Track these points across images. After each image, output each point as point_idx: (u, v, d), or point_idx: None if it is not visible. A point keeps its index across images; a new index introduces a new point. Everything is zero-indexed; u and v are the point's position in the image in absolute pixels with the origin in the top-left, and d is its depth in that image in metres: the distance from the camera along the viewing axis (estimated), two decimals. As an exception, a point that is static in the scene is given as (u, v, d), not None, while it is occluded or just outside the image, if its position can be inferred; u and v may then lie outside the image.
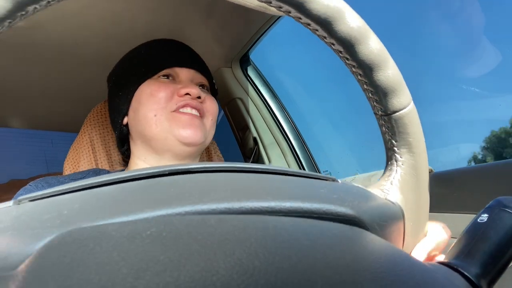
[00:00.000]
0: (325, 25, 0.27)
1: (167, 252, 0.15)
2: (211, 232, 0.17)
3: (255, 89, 1.18)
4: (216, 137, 0.96)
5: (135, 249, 0.16)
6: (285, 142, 1.15)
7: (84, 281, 0.14)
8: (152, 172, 0.22)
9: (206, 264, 0.15)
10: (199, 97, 0.68)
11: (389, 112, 0.30)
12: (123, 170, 0.76)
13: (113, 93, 0.74)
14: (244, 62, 1.19)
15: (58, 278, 0.14)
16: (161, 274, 0.14)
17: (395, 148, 0.31)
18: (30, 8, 0.23)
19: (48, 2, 0.24)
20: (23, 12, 0.23)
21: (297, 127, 1.18)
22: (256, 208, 0.20)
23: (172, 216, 0.19)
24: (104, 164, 0.83)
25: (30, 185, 0.63)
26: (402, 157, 0.31)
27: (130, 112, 0.70)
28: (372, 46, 0.28)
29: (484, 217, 0.26)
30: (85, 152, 0.83)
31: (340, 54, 0.29)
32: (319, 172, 1.18)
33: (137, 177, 0.22)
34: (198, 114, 0.67)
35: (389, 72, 0.28)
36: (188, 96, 0.67)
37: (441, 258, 0.31)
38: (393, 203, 0.30)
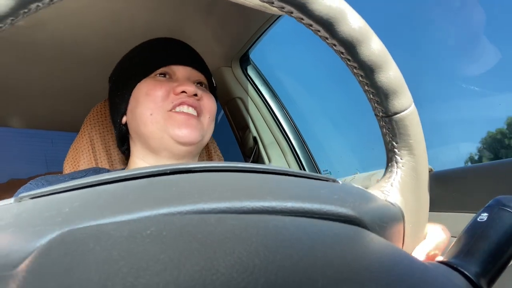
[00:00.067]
0: (327, 26, 0.27)
1: (167, 251, 0.15)
2: (211, 231, 0.17)
3: (255, 89, 1.18)
4: (216, 136, 0.96)
5: (135, 248, 0.16)
6: (285, 141, 1.15)
7: (84, 280, 0.14)
8: (153, 171, 0.22)
9: (206, 263, 0.15)
10: (195, 95, 0.68)
11: (390, 114, 0.30)
12: (123, 169, 0.76)
13: (113, 92, 0.75)
14: (244, 61, 1.19)
15: (58, 277, 0.14)
16: (161, 273, 0.14)
17: (396, 150, 0.31)
18: (33, 6, 0.23)
19: (51, 0, 0.24)
20: (26, 10, 0.23)
21: (297, 127, 1.18)
22: (257, 208, 0.20)
23: (173, 215, 0.19)
24: (104, 164, 0.83)
25: (30, 184, 0.63)
26: (403, 159, 0.31)
27: (128, 111, 0.70)
28: (374, 47, 0.28)
29: (484, 216, 0.26)
30: (85, 151, 0.83)
31: (341, 55, 0.29)
32: (319, 172, 1.18)
33: (138, 175, 0.22)
34: (195, 112, 0.67)
35: (391, 74, 0.28)
36: (184, 94, 0.66)
37: (441, 257, 0.31)
38: (393, 204, 0.30)
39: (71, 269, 0.15)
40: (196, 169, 0.23)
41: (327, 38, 0.28)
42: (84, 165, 0.81)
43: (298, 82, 1.62)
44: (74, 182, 0.21)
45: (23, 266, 0.16)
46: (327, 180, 0.28)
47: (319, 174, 0.28)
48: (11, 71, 1.10)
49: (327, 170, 1.25)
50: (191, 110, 0.66)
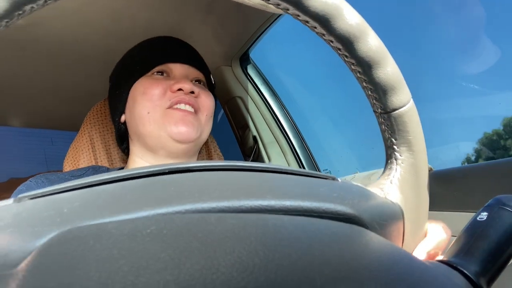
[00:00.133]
0: (323, 22, 0.27)
1: (167, 250, 0.15)
2: (211, 230, 0.17)
3: (255, 88, 1.18)
4: (216, 135, 0.96)
5: (136, 247, 0.16)
6: (285, 140, 1.15)
7: (84, 278, 0.14)
8: (152, 171, 0.22)
9: (207, 262, 0.15)
10: (192, 92, 0.67)
11: (388, 110, 0.29)
12: (122, 167, 0.76)
13: (112, 91, 0.75)
14: (244, 60, 1.19)
15: (58, 275, 0.15)
16: (162, 272, 0.14)
17: (395, 147, 0.31)
18: (27, 7, 0.23)
19: (45, 1, 0.24)
20: (20, 12, 0.23)
21: (297, 126, 1.18)
22: (256, 207, 0.20)
23: (172, 214, 0.19)
24: (104, 163, 0.83)
25: (30, 181, 0.64)
26: (402, 156, 0.31)
27: (127, 110, 0.71)
28: (371, 43, 0.27)
29: (484, 215, 0.26)
30: (85, 150, 0.83)
31: (339, 52, 0.29)
32: (319, 171, 1.18)
33: (137, 175, 0.22)
34: (192, 110, 0.66)
35: (388, 70, 0.28)
36: (181, 91, 0.66)
37: (441, 256, 0.31)
38: (392, 202, 0.30)
39: (72, 268, 0.15)
40: (195, 168, 0.23)
41: (324, 35, 0.28)
42: (84, 164, 0.82)
43: (298, 81, 1.62)
44: (73, 183, 0.21)
45: (23, 265, 0.16)
46: (326, 178, 0.27)
47: (318, 172, 0.28)
48: (11, 69, 1.10)
49: (327, 170, 1.25)
50: (188, 108, 0.66)
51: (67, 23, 0.93)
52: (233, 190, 0.21)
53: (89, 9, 0.89)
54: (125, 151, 0.78)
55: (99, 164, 0.83)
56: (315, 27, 0.27)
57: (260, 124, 1.16)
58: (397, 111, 0.29)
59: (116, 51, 0.78)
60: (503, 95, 1.01)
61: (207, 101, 0.69)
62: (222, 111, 1.27)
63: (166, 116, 0.64)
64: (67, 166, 0.83)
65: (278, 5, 0.26)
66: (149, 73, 0.70)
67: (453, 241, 0.27)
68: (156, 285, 0.14)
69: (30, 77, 1.15)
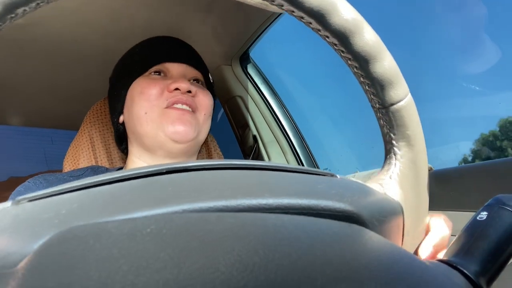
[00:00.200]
0: (318, 17, 0.26)
1: (167, 249, 0.15)
2: (210, 229, 0.17)
3: (255, 87, 1.18)
4: (216, 135, 0.96)
5: (135, 246, 0.16)
6: (285, 139, 1.15)
7: (84, 278, 0.14)
8: (150, 171, 0.22)
9: (206, 261, 0.15)
10: (190, 92, 0.66)
11: (386, 105, 0.29)
12: (121, 167, 0.76)
13: (111, 92, 0.75)
14: (244, 60, 1.19)
15: (57, 274, 0.14)
16: (161, 271, 0.14)
17: (394, 142, 0.31)
18: (20, 10, 0.23)
19: (38, 4, 0.24)
20: (13, 15, 0.23)
21: (297, 125, 1.18)
22: (253, 206, 0.20)
23: (171, 214, 0.19)
24: (103, 162, 0.83)
25: (28, 182, 0.64)
26: (401, 151, 0.30)
27: (125, 110, 0.70)
28: (367, 37, 0.27)
29: (483, 215, 0.26)
30: (85, 150, 0.83)
31: (335, 47, 0.28)
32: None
33: (135, 176, 0.22)
34: (190, 109, 0.66)
35: (385, 64, 0.28)
36: (178, 91, 0.65)
37: (441, 256, 0.31)
38: (392, 198, 0.29)
39: (71, 267, 0.15)
40: (192, 168, 0.23)
41: (319, 30, 0.27)
42: (84, 163, 0.82)
43: (298, 81, 1.62)
44: (71, 184, 0.21)
45: (22, 264, 0.16)
46: (325, 175, 0.27)
47: (317, 169, 0.28)
48: (11, 68, 1.10)
49: (327, 169, 1.25)
50: (185, 107, 0.65)
51: (66, 22, 0.93)
52: (230, 189, 0.21)
53: (88, 8, 0.89)
54: (124, 152, 0.77)
55: (99, 163, 0.83)
56: (311, 23, 0.27)
57: (260, 123, 1.16)
58: (395, 106, 0.29)
59: (115, 51, 0.78)
60: (503, 95, 1.01)
61: (205, 100, 0.69)
62: (222, 110, 1.27)
63: (163, 116, 0.64)
64: (67, 166, 0.83)
65: (273, 1, 0.26)
66: (147, 73, 0.69)
67: (453, 241, 0.27)
68: (155, 284, 0.14)
69: (29, 76, 1.15)
